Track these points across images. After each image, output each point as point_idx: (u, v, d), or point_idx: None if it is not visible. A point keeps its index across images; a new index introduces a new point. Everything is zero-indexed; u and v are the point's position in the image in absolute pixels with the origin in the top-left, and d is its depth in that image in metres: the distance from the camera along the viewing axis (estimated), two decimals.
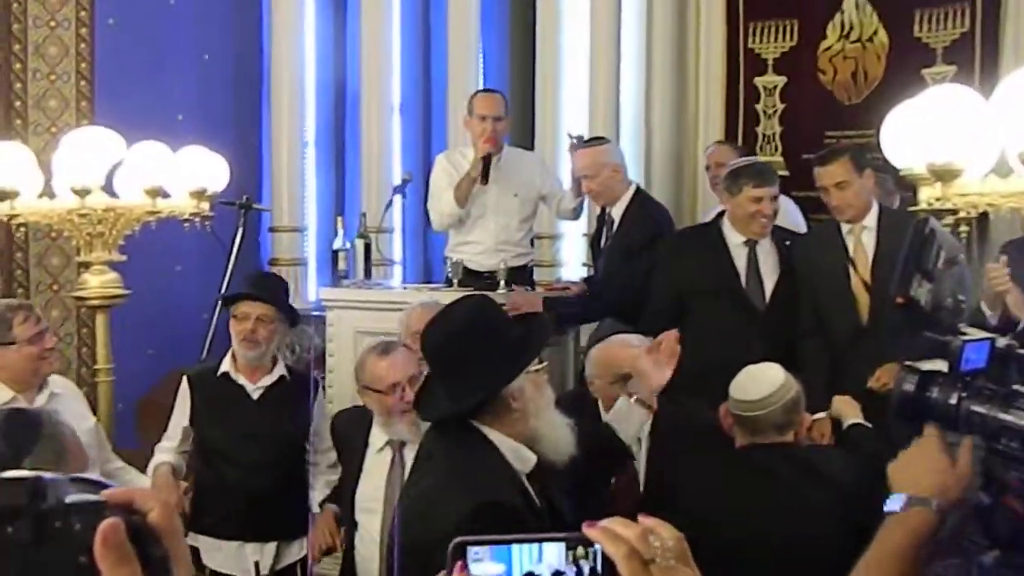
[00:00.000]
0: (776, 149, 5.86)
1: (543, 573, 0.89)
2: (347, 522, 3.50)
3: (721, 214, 4.39)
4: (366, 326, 4.65)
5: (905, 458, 1.49)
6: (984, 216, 2.70)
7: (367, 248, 4.98)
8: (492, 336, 2.40)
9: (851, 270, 4.06)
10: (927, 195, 2.50)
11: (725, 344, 3.94)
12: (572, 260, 5.99)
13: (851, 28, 5.63)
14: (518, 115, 6.35)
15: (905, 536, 1.39)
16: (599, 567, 0.89)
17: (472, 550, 0.89)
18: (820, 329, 4.10)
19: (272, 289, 3.90)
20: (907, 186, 3.17)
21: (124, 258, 4.10)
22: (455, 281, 4.79)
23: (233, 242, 5.39)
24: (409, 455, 3.13)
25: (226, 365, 3.80)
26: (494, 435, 2.35)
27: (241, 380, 3.78)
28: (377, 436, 3.39)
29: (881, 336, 3.76)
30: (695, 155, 5.90)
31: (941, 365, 1.56)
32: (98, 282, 4.07)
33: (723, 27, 5.93)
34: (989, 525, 1.77)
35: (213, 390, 3.79)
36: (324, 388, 4.47)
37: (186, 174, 4.06)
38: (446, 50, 6.36)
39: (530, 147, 5.95)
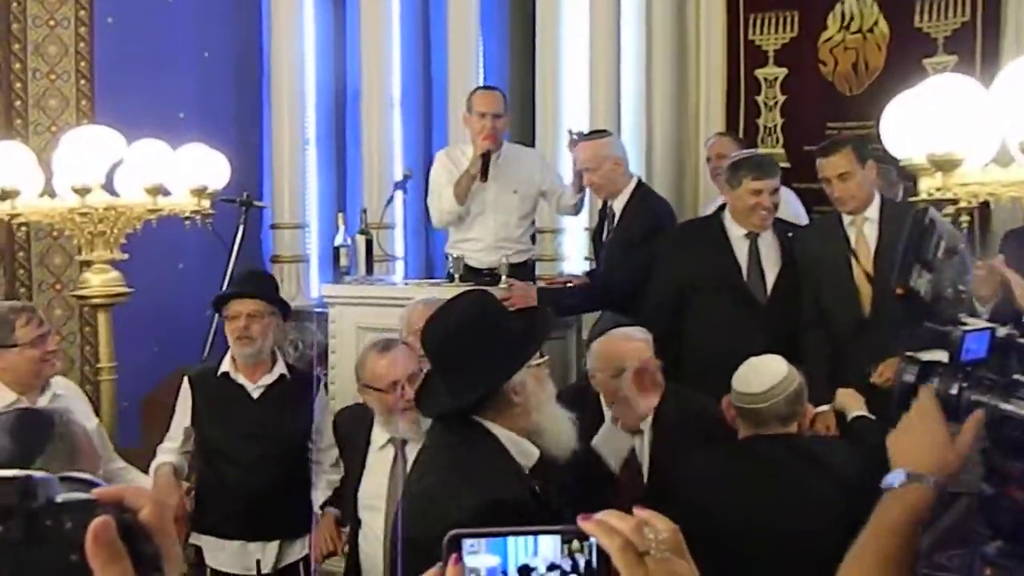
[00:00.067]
0: (777, 141, 5.85)
1: (538, 566, 0.89)
2: (350, 520, 3.50)
3: (723, 207, 4.38)
4: (368, 322, 4.64)
5: (903, 430, 1.48)
6: (985, 205, 2.70)
7: (368, 244, 4.98)
8: (493, 331, 2.40)
9: (853, 262, 4.05)
10: (928, 185, 2.49)
11: (727, 337, 3.94)
12: (574, 254, 5.99)
13: (851, 19, 5.61)
14: (518, 110, 6.34)
15: (902, 513, 1.39)
16: (594, 560, 0.89)
17: (467, 543, 0.88)
18: (822, 321, 4.09)
19: (259, 284, 3.89)
20: (910, 176, 3.16)
21: (126, 256, 4.11)
22: (456, 277, 4.78)
23: (234, 239, 5.39)
24: (411, 452, 3.13)
25: (226, 365, 3.80)
26: (497, 430, 2.35)
27: (241, 380, 3.78)
28: (379, 434, 3.39)
29: (883, 328, 3.76)
30: (696, 148, 5.89)
31: (941, 355, 1.55)
32: (100, 281, 4.07)
33: (723, 19, 5.92)
34: (991, 515, 1.77)
35: (214, 390, 3.79)
36: (326, 385, 4.46)
37: (186, 172, 4.06)
38: (446, 45, 6.35)
39: (530, 143, 5.95)
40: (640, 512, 0.91)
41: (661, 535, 0.89)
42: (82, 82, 5.88)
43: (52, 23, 5.81)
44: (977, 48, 5.23)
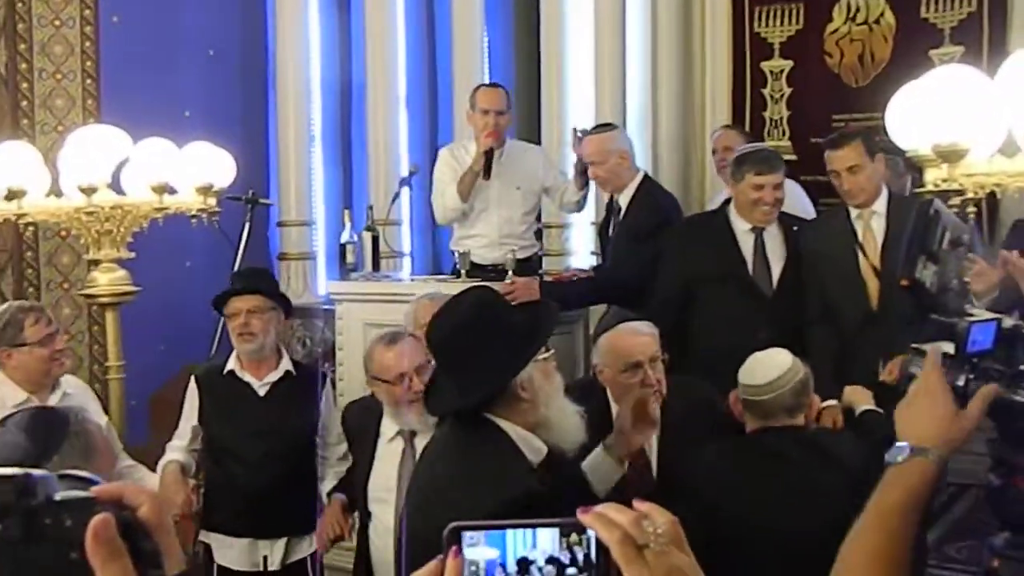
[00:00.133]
0: (783, 134, 5.83)
1: (537, 559, 0.89)
2: (360, 512, 3.50)
3: (728, 201, 4.37)
4: (375, 319, 4.64)
5: (908, 403, 1.47)
6: (993, 196, 2.69)
7: (375, 241, 4.98)
8: (498, 326, 2.39)
9: (860, 255, 4.03)
10: (933, 176, 2.48)
11: (733, 331, 3.93)
12: (581, 249, 5.98)
13: (857, 10, 5.59)
14: (523, 106, 6.34)
15: (905, 489, 1.38)
16: (592, 553, 0.89)
17: (467, 535, 0.88)
18: (827, 316, 4.08)
19: (256, 280, 3.90)
20: (917, 167, 3.15)
21: (133, 255, 4.11)
22: (463, 273, 4.79)
23: (240, 237, 5.40)
24: (420, 444, 3.13)
25: (232, 363, 3.82)
26: (505, 425, 2.35)
27: (247, 377, 3.79)
28: (388, 426, 3.39)
29: (891, 322, 3.74)
30: (702, 141, 5.87)
31: (948, 347, 1.54)
32: (107, 280, 4.08)
33: (728, 12, 5.90)
34: (999, 507, 1.77)
35: (220, 388, 3.80)
36: (334, 381, 4.47)
37: (192, 170, 4.06)
38: (451, 42, 6.35)
39: (536, 139, 5.95)
40: (640, 505, 0.91)
41: (660, 528, 0.89)
42: (88, 81, 5.89)
43: (57, 23, 5.83)
44: (984, 38, 5.20)
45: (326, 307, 5.93)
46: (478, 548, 0.88)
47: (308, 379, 3.84)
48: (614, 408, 3.27)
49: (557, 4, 5.95)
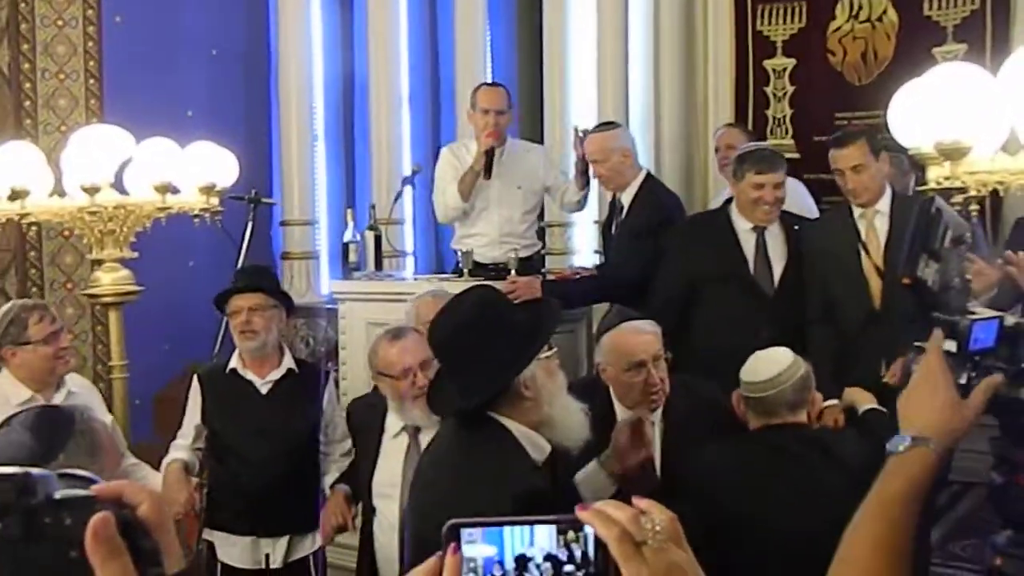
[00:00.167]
0: (786, 132, 5.82)
1: (535, 556, 0.89)
2: (364, 508, 3.50)
3: (730, 200, 4.37)
4: (378, 318, 4.64)
5: (910, 391, 1.47)
6: (997, 194, 2.68)
7: (377, 240, 4.99)
8: (500, 325, 2.39)
9: (863, 254, 4.02)
10: (936, 174, 2.48)
11: (734, 330, 3.93)
12: (584, 248, 5.98)
13: (860, 8, 5.58)
14: (526, 105, 6.34)
15: (907, 479, 1.38)
16: (590, 550, 0.89)
17: (466, 532, 0.88)
18: (829, 315, 4.07)
19: (258, 278, 3.90)
20: (921, 166, 3.14)
21: (136, 255, 4.11)
22: (465, 272, 4.79)
23: (243, 237, 5.40)
24: (424, 440, 3.13)
25: (234, 361, 3.82)
26: (509, 424, 2.35)
27: (249, 375, 3.79)
28: (392, 422, 3.39)
29: (893, 321, 3.73)
30: (705, 140, 5.87)
31: (950, 345, 1.54)
32: (110, 279, 4.08)
33: (731, 10, 5.89)
34: (1001, 505, 1.77)
35: (223, 387, 3.80)
36: (337, 381, 4.47)
37: (195, 170, 4.06)
38: (453, 41, 6.35)
39: (539, 138, 5.95)
40: (639, 502, 0.91)
41: (658, 525, 0.89)
42: (91, 81, 5.90)
43: (60, 23, 5.84)
44: (987, 36, 5.18)
45: (329, 306, 5.94)
46: (476, 545, 0.88)
47: (310, 377, 3.85)
48: (617, 407, 3.28)
49: (559, 3, 5.95)
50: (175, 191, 4.03)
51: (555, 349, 2.52)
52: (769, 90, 5.87)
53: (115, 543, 0.76)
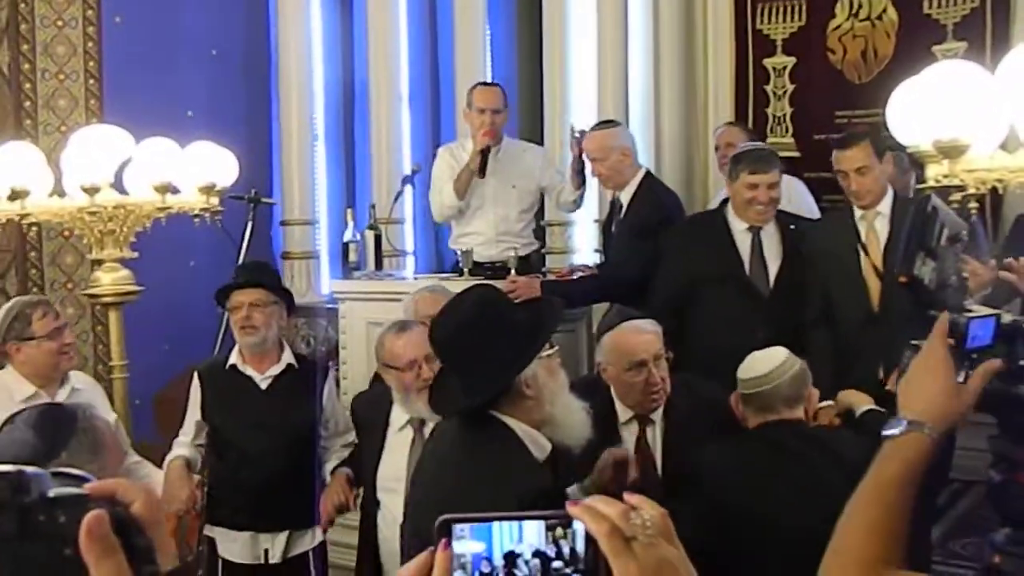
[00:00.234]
0: (787, 130, 5.82)
1: (523, 552, 0.89)
2: (368, 502, 3.50)
3: (727, 200, 4.37)
4: (378, 317, 4.64)
5: (911, 375, 1.47)
6: (996, 192, 2.68)
7: (377, 240, 5.00)
8: (501, 324, 2.40)
9: (862, 255, 4.02)
10: (935, 172, 2.48)
11: (731, 331, 3.94)
12: (584, 247, 5.98)
13: (860, 6, 5.57)
14: (526, 104, 6.34)
15: (903, 462, 1.38)
16: (578, 546, 0.89)
17: (457, 527, 0.88)
18: (827, 317, 4.07)
19: (259, 274, 3.91)
20: (921, 164, 3.14)
21: (136, 255, 4.12)
22: (466, 271, 4.80)
23: (243, 236, 5.40)
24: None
25: (234, 357, 3.83)
26: (512, 423, 2.36)
27: (249, 371, 3.80)
28: (397, 415, 3.40)
29: (892, 323, 3.73)
30: (705, 139, 5.87)
31: (948, 342, 1.54)
32: (110, 279, 4.08)
33: (731, 9, 5.89)
34: (1000, 502, 1.76)
35: (222, 382, 3.81)
36: (338, 380, 4.48)
37: (195, 170, 4.07)
38: (453, 40, 6.35)
39: (539, 137, 5.96)
40: (630, 498, 0.91)
41: (647, 520, 0.89)
42: (91, 82, 5.90)
43: (60, 23, 5.84)
44: (987, 34, 5.18)
45: (329, 306, 5.95)
46: (465, 541, 0.88)
47: (310, 372, 3.85)
48: (618, 406, 3.29)
49: (559, 2, 5.95)
50: (175, 191, 4.03)
51: (556, 348, 2.52)
52: (769, 88, 5.87)
53: (109, 541, 0.76)
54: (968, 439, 2.85)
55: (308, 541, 3.79)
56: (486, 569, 0.88)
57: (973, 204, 2.54)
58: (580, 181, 5.01)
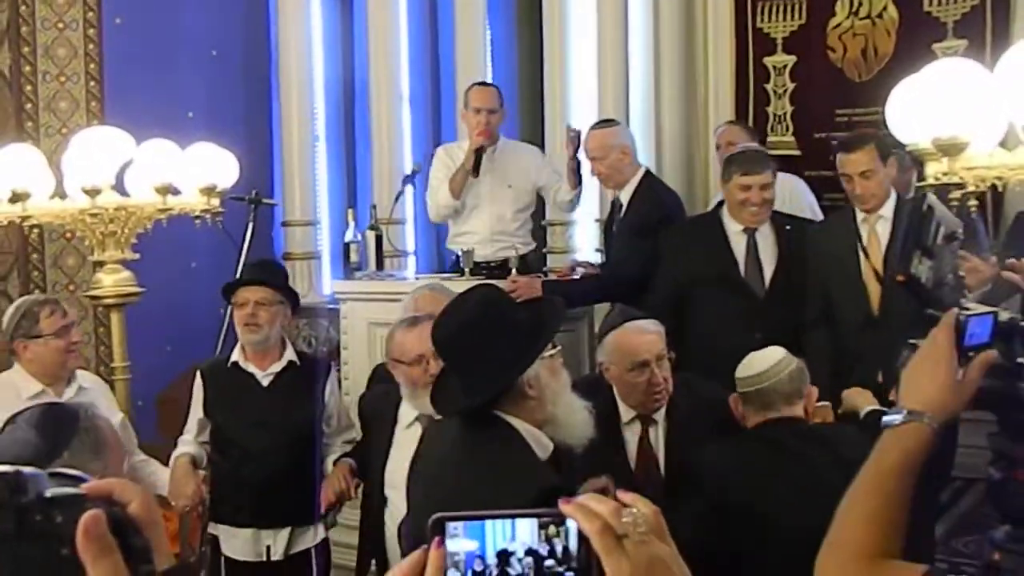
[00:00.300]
0: (787, 129, 5.82)
1: (516, 550, 0.89)
2: (376, 498, 3.51)
3: (723, 202, 4.37)
4: (379, 317, 4.66)
5: (914, 365, 1.47)
6: (996, 189, 2.68)
7: (378, 240, 5.01)
8: (503, 324, 2.40)
9: (863, 258, 4.01)
10: (934, 170, 2.48)
11: (728, 332, 3.94)
12: (585, 246, 5.98)
13: (860, 4, 5.57)
14: (526, 103, 6.35)
15: (902, 452, 1.39)
16: (571, 545, 0.89)
17: (450, 526, 0.89)
18: (827, 318, 4.07)
19: (267, 273, 3.92)
20: (921, 162, 3.14)
21: (137, 256, 4.12)
22: (467, 270, 4.80)
23: (244, 237, 5.41)
24: None
25: (236, 354, 3.84)
26: (515, 422, 2.36)
27: (251, 368, 3.81)
28: (406, 412, 3.40)
29: (891, 326, 3.73)
30: (705, 138, 5.87)
31: None
32: (112, 281, 4.09)
33: (731, 7, 5.89)
34: (999, 500, 1.76)
35: (225, 380, 3.82)
36: (340, 381, 4.48)
37: (196, 171, 4.07)
38: (453, 39, 6.35)
39: (539, 136, 5.97)
40: (623, 496, 0.91)
41: (639, 518, 0.89)
42: (91, 83, 5.91)
43: (61, 25, 5.85)
44: (987, 32, 5.18)
45: (331, 306, 5.95)
46: (458, 539, 0.88)
47: (312, 369, 3.86)
48: (621, 406, 3.29)
49: (560, 1, 5.95)
50: (176, 192, 4.03)
51: (559, 348, 2.52)
52: (769, 87, 5.87)
53: (106, 541, 0.76)
54: (969, 436, 2.85)
55: (310, 538, 3.80)
56: (479, 567, 0.88)
57: (973, 201, 2.54)
58: (576, 180, 5.02)
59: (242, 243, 5.35)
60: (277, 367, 3.81)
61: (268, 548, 3.73)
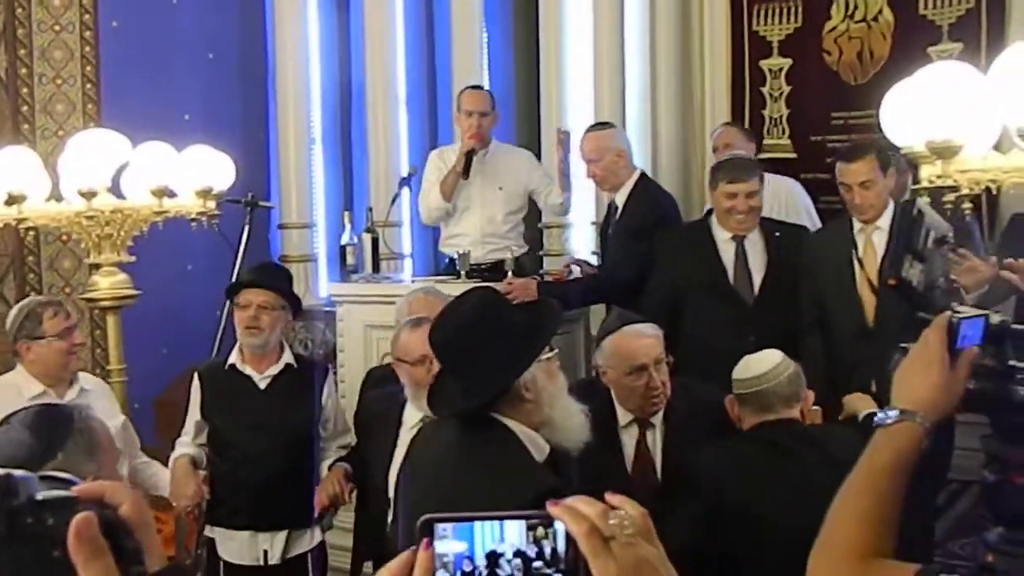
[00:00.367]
0: (783, 132, 5.82)
1: (505, 551, 0.89)
2: (379, 501, 3.50)
3: (712, 210, 4.38)
4: (376, 320, 4.66)
5: (906, 364, 1.48)
6: (990, 191, 2.69)
7: (375, 242, 5.01)
8: (500, 327, 2.40)
9: (857, 268, 3.99)
10: (928, 173, 2.49)
11: (718, 338, 3.95)
12: (582, 249, 5.98)
13: (855, 7, 5.58)
14: (523, 106, 6.36)
15: (894, 451, 1.40)
16: (559, 546, 0.89)
17: (439, 527, 0.89)
18: (819, 325, 4.07)
19: (273, 277, 3.92)
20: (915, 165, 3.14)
21: (133, 259, 4.12)
22: (463, 273, 4.80)
23: (240, 240, 5.41)
24: None
25: (233, 357, 3.84)
26: (513, 424, 2.36)
27: (248, 371, 3.80)
28: (411, 414, 3.39)
29: (886, 338, 3.73)
30: (702, 141, 5.87)
31: None
32: (108, 283, 4.09)
33: (727, 11, 5.89)
34: (994, 502, 1.77)
35: (222, 382, 3.82)
36: (336, 383, 4.48)
37: (192, 173, 4.08)
38: (450, 42, 6.36)
39: (535, 138, 5.98)
40: (612, 498, 0.92)
41: (625, 520, 0.89)
42: (88, 86, 5.91)
43: (57, 28, 5.85)
44: (982, 34, 5.18)
45: (327, 309, 5.95)
46: (447, 541, 0.88)
47: (309, 372, 3.86)
48: (618, 409, 3.29)
49: (556, 4, 5.96)
50: (172, 195, 4.04)
51: (556, 351, 2.53)
52: (765, 90, 5.88)
53: (97, 543, 0.77)
54: (966, 439, 2.85)
55: (307, 542, 3.79)
56: (468, 568, 0.88)
57: (967, 204, 2.54)
58: (567, 183, 5.04)
59: (238, 246, 5.34)
60: (274, 370, 3.81)
61: (265, 552, 3.72)
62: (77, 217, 3.93)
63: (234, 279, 4.96)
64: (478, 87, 5.41)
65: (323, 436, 3.83)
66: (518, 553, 0.88)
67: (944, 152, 2.37)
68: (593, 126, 4.92)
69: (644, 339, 3.25)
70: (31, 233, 4.89)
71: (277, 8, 6.61)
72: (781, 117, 5.83)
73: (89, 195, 3.81)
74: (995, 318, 1.54)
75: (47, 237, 5.77)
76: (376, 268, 5.04)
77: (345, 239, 5.10)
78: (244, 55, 6.74)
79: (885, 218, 4.00)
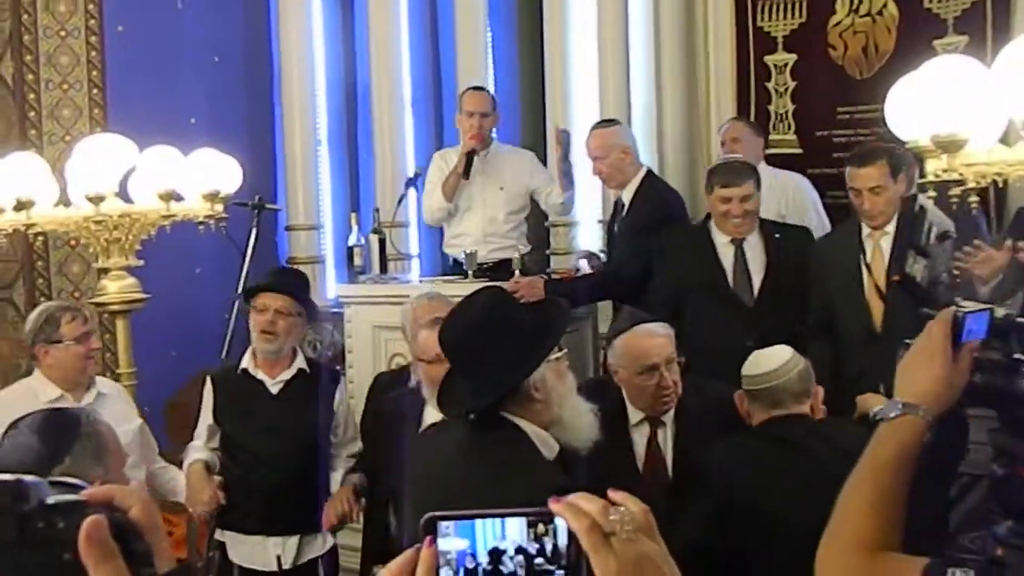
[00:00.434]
0: (789, 127, 5.81)
1: (507, 549, 0.90)
2: (390, 499, 3.51)
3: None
4: (383, 321, 4.67)
5: (909, 357, 1.49)
6: (997, 184, 2.68)
7: (382, 243, 5.03)
8: (508, 326, 2.41)
9: (865, 273, 3.97)
10: (934, 167, 2.48)
11: (719, 340, 3.95)
12: (588, 247, 5.97)
13: (860, 2, 5.56)
14: (527, 106, 6.35)
15: (898, 445, 1.41)
16: (560, 543, 0.90)
17: (442, 525, 0.89)
18: (826, 329, 4.06)
19: (292, 282, 3.93)
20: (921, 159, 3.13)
21: (141, 263, 4.14)
22: (470, 273, 4.81)
23: (247, 243, 5.42)
24: None
25: (246, 361, 3.85)
26: (523, 423, 2.37)
27: (260, 375, 3.82)
28: (431, 415, 3.40)
29: (894, 343, 3.71)
30: (708, 138, 5.86)
31: None
32: (117, 288, 4.10)
33: (731, 7, 5.88)
34: (1003, 496, 1.77)
35: (234, 387, 3.83)
36: (344, 384, 4.48)
37: (199, 177, 4.09)
38: (454, 43, 6.36)
39: (540, 138, 5.98)
40: (614, 494, 0.92)
41: (626, 516, 0.90)
42: (94, 91, 5.92)
43: (63, 33, 5.87)
44: (988, 27, 5.16)
45: (335, 310, 5.95)
46: (450, 539, 0.89)
47: (321, 377, 3.87)
48: (629, 408, 3.30)
49: (560, 3, 5.95)
50: (179, 199, 4.05)
51: (565, 351, 2.53)
52: (771, 86, 5.87)
53: (108, 546, 0.77)
54: (977, 433, 2.84)
55: (319, 547, 3.80)
56: (471, 565, 0.89)
57: (974, 198, 2.54)
58: (568, 182, 5.04)
59: (246, 248, 5.36)
60: (287, 375, 3.82)
61: (278, 558, 3.73)
62: (85, 222, 3.94)
63: (242, 283, 4.99)
64: (479, 88, 5.42)
65: (333, 443, 3.84)
66: (520, 550, 0.89)
67: (949, 146, 2.37)
68: (598, 123, 4.93)
69: (655, 339, 3.26)
70: (40, 238, 4.91)
71: (282, 11, 6.62)
72: (787, 112, 5.82)
73: (97, 200, 3.83)
74: (1000, 312, 1.54)
75: (56, 242, 5.79)
76: (383, 269, 5.05)
77: (352, 240, 5.12)
78: (249, 58, 6.75)
79: (893, 224, 3.97)
